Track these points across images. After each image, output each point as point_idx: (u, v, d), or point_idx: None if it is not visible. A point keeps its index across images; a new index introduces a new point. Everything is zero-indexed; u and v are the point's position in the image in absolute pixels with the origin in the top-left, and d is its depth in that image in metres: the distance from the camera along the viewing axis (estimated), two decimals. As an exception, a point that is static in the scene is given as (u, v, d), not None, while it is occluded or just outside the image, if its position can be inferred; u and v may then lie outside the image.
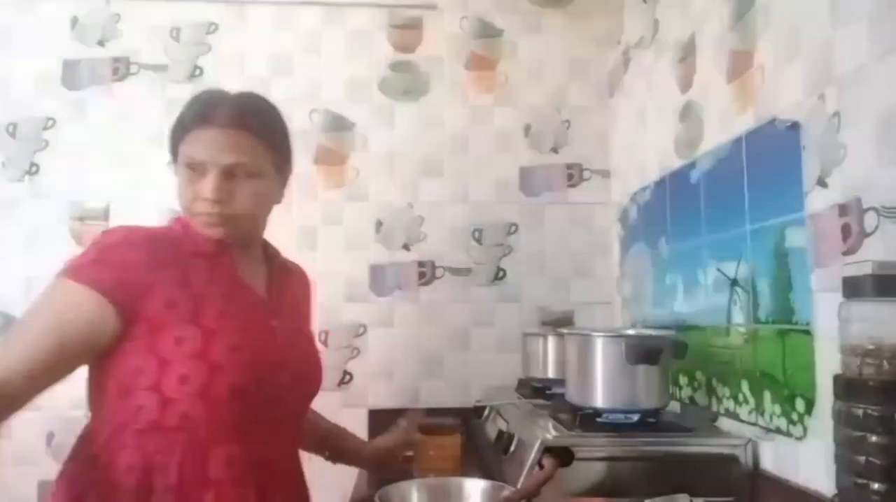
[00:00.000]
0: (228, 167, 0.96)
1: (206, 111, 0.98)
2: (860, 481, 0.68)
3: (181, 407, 0.88)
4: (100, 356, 0.88)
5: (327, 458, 1.24)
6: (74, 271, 0.87)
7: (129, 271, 0.89)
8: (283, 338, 1.02)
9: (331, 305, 1.85)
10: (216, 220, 0.98)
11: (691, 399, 1.36)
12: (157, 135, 1.86)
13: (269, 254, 1.13)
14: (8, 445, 1.77)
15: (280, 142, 1.10)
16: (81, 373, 1.90)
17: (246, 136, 0.98)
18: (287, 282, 1.12)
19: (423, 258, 1.90)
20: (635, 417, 1.16)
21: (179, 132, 0.98)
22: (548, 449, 1.05)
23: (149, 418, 0.88)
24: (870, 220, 0.84)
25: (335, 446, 1.24)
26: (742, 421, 1.15)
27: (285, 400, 1.00)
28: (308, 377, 1.07)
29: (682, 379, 1.40)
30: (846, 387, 0.71)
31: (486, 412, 1.56)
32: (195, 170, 0.96)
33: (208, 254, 0.99)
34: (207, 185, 0.95)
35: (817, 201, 0.95)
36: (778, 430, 1.04)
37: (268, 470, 0.96)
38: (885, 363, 0.68)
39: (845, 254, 0.88)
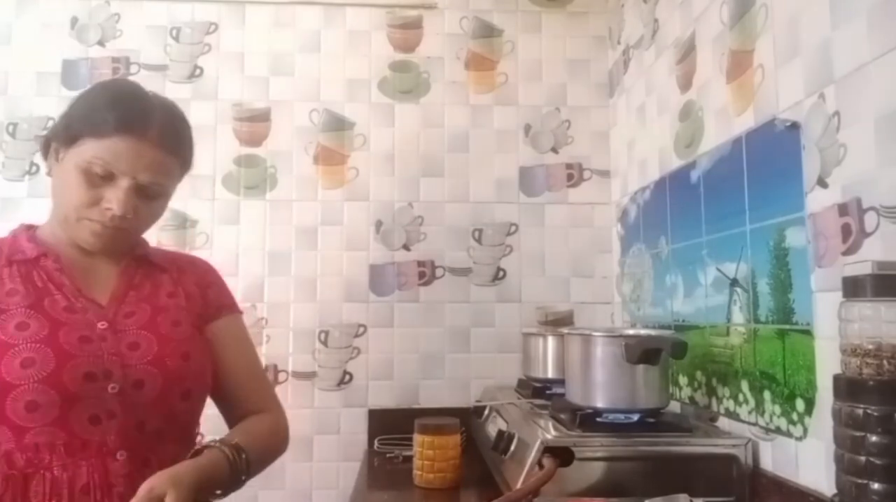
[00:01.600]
0: (143, 184, 0.93)
1: (134, 121, 0.92)
2: (860, 481, 0.68)
3: None
4: None
5: None
6: None
7: None
8: (112, 343, 0.92)
9: (331, 305, 1.85)
10: (108, 233, 0.94)
11: (691, 399, 1.36)
12: (157, 135, 1.89)
13: (136, 254, 1.06)
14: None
15: (190, 161, 1.07)
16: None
17: (170, 159, 0.97)
18: (147, 279, 1.04)
19: (423, 258, 1.90)
20: (635, 417, 1.16)
21: (89, 131, 0.92)
22: (548, 449, 1.05)
23: None
24: (870, 220, 0.84)
25: None
26: (742, 421, 1.15)
27: (121, 412, 0.90)
28: (156, 380, 0.93)
29: (682, 380, 1.40)
30: (846, 387, 0.71)
31: (486, 412, 1.56)
32: (101, 176, 0.91)
33: (26, 262, 0.94)
34: (116, 198, 0.92)
35: (817, 201, 0.95)
36: (778, 430, 1.04)
37: (103, 496, 0.86)
38: (885, 363, 0.68)
39: (845, 254, 0.88)
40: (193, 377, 1.00)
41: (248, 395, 1.11)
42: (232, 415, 1.10)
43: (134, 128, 0.92)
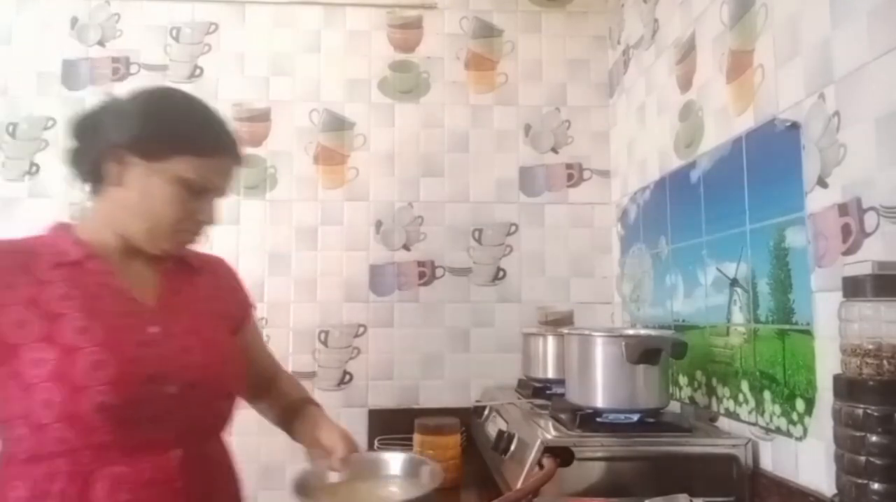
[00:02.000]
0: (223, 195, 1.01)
1: (230, 143, 0.99)
2: (860, 481, 0.68)
3: (54, 432, 0.84)
4: None
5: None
6: None
7: None
8: (166, 346, 0.94)
9: (331, 305, 1.85)
10: (195, 241, 1.00)
11: (691, 399, 1.36)
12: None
13: (174, 256, 1.06)
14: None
15: None
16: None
17: (238, 169, 1.03)
18: (186, 282, 1.05)
19: (423, 258, 1.90)
20: (635, 417, 1.16)
21: (186, 148, 0.94)
22: (548, 449, 1.05)
23: (28, 447, 0.85)
24: (870, 220, 0.84)
25: (289, 426, 1.14)
26: (742, 421, 1.15)
27: (177, 411, 0.92)
28: (207, 382, 0.96)
29: (682, 380, 1.40)
30: (846, 387, 0.71)
31: (486, 412, 1.56)
32: (192, 190, 0.94)
33: (73, 264, 0.94)
34: (209, 210, 0.98)
35: (817, 201, 0.95)
36: (778, 430, 1.04)
37: (164, 490, 0.90)
38: (885, 363, 0.68)
39: (845, 254, 0.88)
40: (235, 379, 1.04)
41: (269, 379, 1.21)
42: (251, 394, 1.18)
43: (230, 149, 0.99)
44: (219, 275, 1.15)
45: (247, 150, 1.89)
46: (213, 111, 0.99)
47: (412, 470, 1.02)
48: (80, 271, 0.94)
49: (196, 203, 0.96)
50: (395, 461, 1.05)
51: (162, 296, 1.00)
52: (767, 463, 1.07)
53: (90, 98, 1.89)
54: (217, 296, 1.10)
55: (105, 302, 0.93)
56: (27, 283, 0.90)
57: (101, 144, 0.94)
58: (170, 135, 0.94)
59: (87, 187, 1.00)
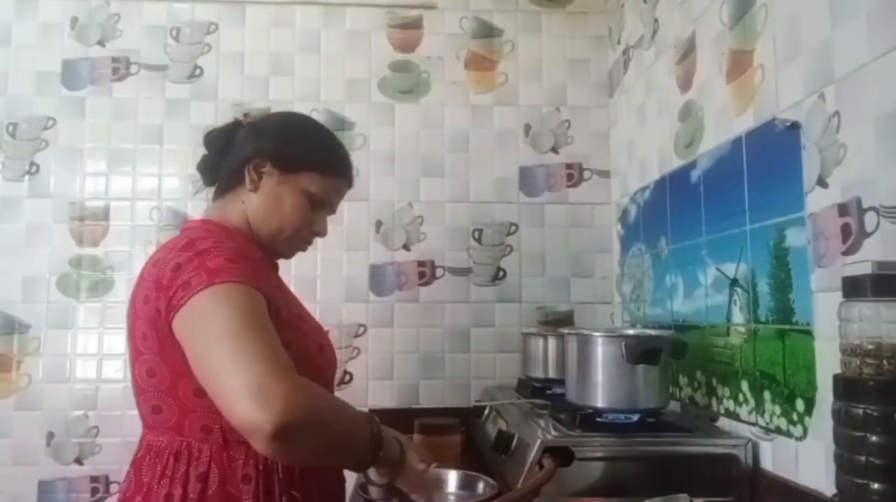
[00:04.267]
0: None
1: (345, 165, 1.12)
2: (860, 481, 0.68)
3: None
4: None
5: None
6: (247, 278, 0.87)
7: (265, 281, 0.93)
8: (320, 326, 1.12)
9: (331, 305, 1.85)
10: (305, 250, 1.13)
11: (691, 399, 1.36)
12: (157, 135, 1.89)
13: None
14: (8, 445, 1.77)
15: None
16: (83, 374, 1.89)
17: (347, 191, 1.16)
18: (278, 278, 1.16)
19: (423, 258, 1.90)
20: (635, 417, 1.16)
21: (317, 165, 1.06)
22: (548, 449, 1.05)
23: None
24: (870, 220, 0.84)
25: None
26: (742, 421, 1.15)
27: (332, 384, 1.11)
28: (335, 357, 1.14)
29: (682, 380, 1.40)
30: (846, 387, 0.71)
31: (486, 412, 1.56)
32: (313, 203, 1.07)
33: (263, 259, 1.06)
34: (323, 223, 1.11)
35: (817, 201, 0.95)
36: (778, 430, 1.04)
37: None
38: (885, 363, 0.68)
39: (845, 254, 0.88)
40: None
41: None
42: None
43: (348, 172, 1.13)
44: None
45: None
46: (337, 138, 1.13)
47: (468, 485, 1.12)
48: (265, 267, 1.05)
49: (314, 215, 1.08)
50: (451, 478, 1.14)
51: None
52: (767, 463, 1.07)
53: (90, 98, 1.89)
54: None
55: (288, 294, 1.06)
56: (263, 274, 0.97)
57: (244, 154, 1.04)
58: (305, 152, 1.06)
59: (215, 189, 1.10)
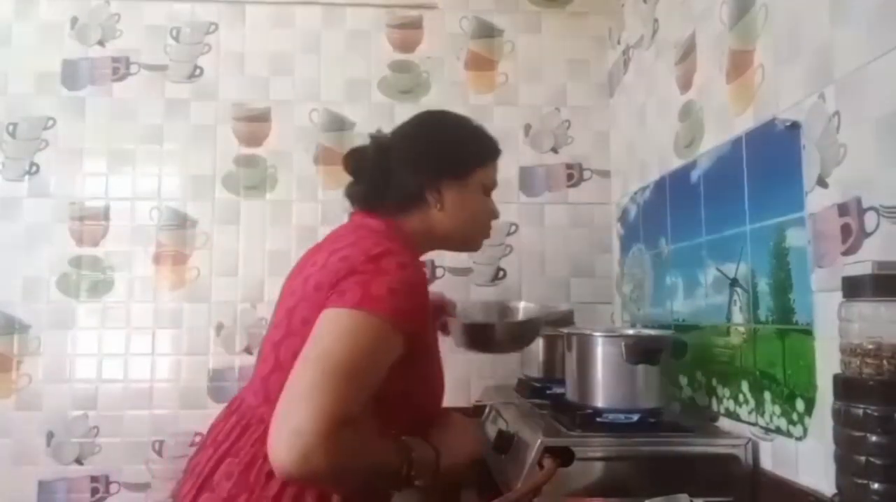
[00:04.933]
0: None
1: (496, 145, 1.15)
2: (860, 481, 0.68)
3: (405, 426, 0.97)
4: None
5: None
6: (397, 316, 0.88)
7: (424, 313, 0.95)
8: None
9: (331, 305, 1.85)
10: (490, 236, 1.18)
11: (691, 399, 1.36)
12: (157, 135, 1.89)
13: None
14: (8, 445, 1.77)
15: None
16: (83, 374, 1.88)
17: None
18: None
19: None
20: (635, 417, 1.16)
21: (482, 160, 1.12)
22: (548, 449, 1.04)
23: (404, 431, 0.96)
24: (870, 220, 0.84)
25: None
26: (742, 421, 1.15)
27: None
28: None
29: (682, 379, 1.40)
30: (846, 387, 0.71)
31: (486, 412, 1.56)
32: (487, 192, 1.13)
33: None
34: (495, 207, 1.16)
35: (817, 201, 0.95)
36: (778, 430, 1.04)
37: None
38: (885, 363, 0.68)
39: (845, 254, 0.88)
40: None
41: None
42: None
43: (499, 149, 1.16)
44: None
45: (246, 151, 1.90)
46: (476, 123, 1.16)
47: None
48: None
49: (489, 202, 1.14)
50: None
51: None
52: (767, 463, 1.07)
53: (90, 98, 1.89)
54: None
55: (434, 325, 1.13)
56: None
57: (418, 181, 1.07)
58: (471, 155, 1.12)
59: (385, 207, 1.09)
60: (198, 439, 1.76)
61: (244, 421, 0.97)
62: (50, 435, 1.78)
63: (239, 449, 0.93)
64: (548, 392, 1.51)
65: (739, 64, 1.18)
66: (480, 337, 1.30)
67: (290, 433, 0.77)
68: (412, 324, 0.91)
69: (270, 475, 0.87)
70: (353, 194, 1.13)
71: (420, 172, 1.07)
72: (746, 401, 1.14)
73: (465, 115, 1.17)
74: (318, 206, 1.89)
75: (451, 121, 1.17)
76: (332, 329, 0.85)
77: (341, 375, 0.81)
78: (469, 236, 1.14)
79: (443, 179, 1.07)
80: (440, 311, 1.32)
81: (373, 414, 0.92)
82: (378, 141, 1.11)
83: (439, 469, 0.95)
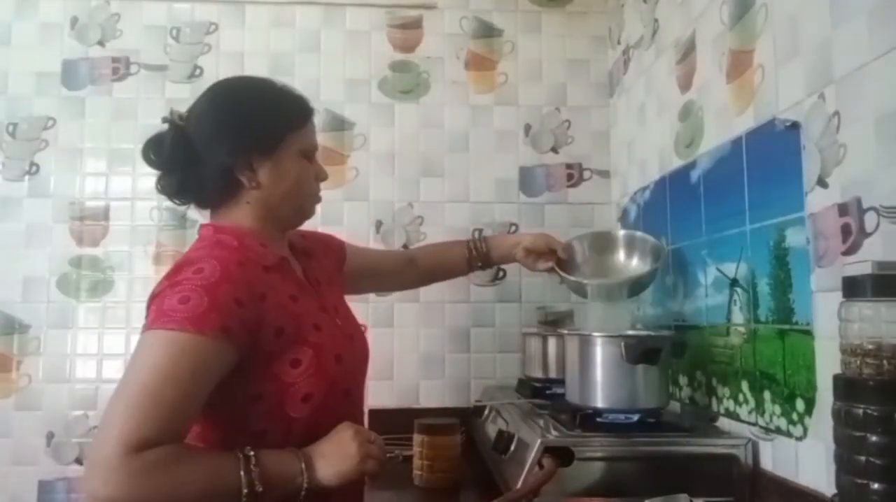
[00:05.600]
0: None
1: (306, 104, 1.06)
2: (860, 481, 0.68)
3: (302, 424, 0.94)
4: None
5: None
6: (193, 322, 0.83)
7: (244, 309, 0.88)
8: (345, 329, 1.08)
9: (331, 305, 1.85)
10: (320, 200, 1.12)
11: (691, 399, 1.36)
12: (157, 135, 1.89)
13: (291, 241, 1.13)
14: (8, 445, 1.77)
15: None
16: (83, 374, 1.88)
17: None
18: (314, 265, 1.14)
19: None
20: (635, 417, 1.16)
21: (290, 126, 1.03)
22: (548, 449, 1.05)
23: (273, 442, 0.91)
24: (870, 220, 0.84)
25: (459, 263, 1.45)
26: (742, 421, 1.15)
27: (360, 384, 1.11)
28: (365, 354, 1.15)
29: (682, 379, 1.40)
30: (846, 387, 0.71)
31: (486, 412, 1.56)
32: (307, 156, 1.06)
33: (280, 265, 1.01)
34: (321, 167, 1.09)
35: (817, 201, 0.95)
36: (778, 430, 1.04)
37: None
38: (885, 363, 0.68)
39: (845, 254, 0.88)
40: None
41: (399, 255, 1.59)
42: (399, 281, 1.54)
43: (310, 108, 1.07)
44: (328, 251, 1.24)
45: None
46: (278, 84, 1.06)
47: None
48: (287, 272, 1.02)
49: (312, 166, 1.08)
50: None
51: (317, 288, 1.08)
52: (767, 463, 1.07)
53: (90, 98, 1.89)
54: (329, 267, 1.20)
55: (309, 299, 1.02)
56: (269, 290, 0.94)
57: (222, 165, 0.98)
58: (276, 124, 1.02)
59: (205, 202, 1.04)
60: (198, 439, 1.75)
61: None
62: (50, 436, 1.78)
63: None
64: (548, 392, 1.51)
65: (739, 64, 1.18)
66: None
67: (90, 464, 0.79)
68: (222, 320, 0.85)
69: None
70: (164, 187, 1.03)
71: (225, 154, 0.97)
72: (746, 401, 1.14)
73: (266, 77, 1.08)
74: (318, 206, 1.88)
75: (247, 90, 1.06)
76: (133, 356, 0.85)
77: (143, 397, 0.79)
78: (298, 206, 1.07)
79: (252, 157, 0.99)
80: (550, 254, 1.42)
81: (220, 426, 0.93)
82: (175, 126, 1.01)
83: (314, 478, 0.89)
